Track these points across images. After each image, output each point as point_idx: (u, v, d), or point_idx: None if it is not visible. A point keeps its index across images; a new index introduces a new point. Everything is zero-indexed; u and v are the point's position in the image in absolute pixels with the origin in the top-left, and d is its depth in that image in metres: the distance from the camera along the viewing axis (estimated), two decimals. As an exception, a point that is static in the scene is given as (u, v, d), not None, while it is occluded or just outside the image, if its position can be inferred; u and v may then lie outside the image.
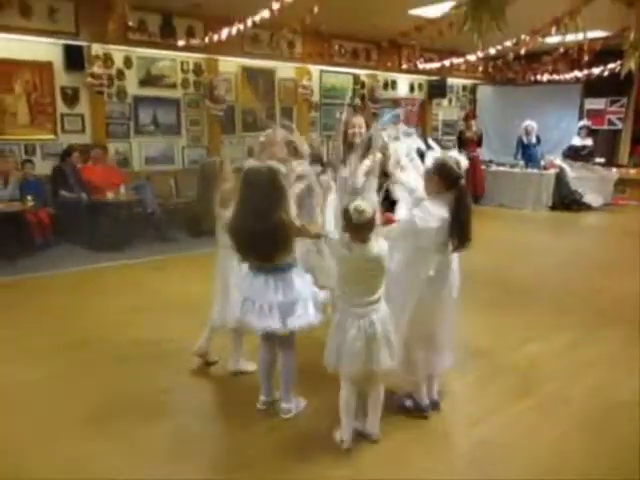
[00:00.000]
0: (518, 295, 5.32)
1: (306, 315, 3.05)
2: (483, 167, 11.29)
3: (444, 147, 3.65)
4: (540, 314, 4.79)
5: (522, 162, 11.07)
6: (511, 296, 5.29)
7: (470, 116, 12.08)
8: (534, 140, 11.10)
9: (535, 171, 10.81)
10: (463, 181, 3.00)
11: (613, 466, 2.76)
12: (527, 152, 11.13)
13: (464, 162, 3.57)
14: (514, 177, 10.92)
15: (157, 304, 5.04)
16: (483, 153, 11.60)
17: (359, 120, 4.60)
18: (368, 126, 4.62)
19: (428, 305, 3.06)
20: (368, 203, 2.77)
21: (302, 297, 3.06)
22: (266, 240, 2.94)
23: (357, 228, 2.76)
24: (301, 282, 3.09)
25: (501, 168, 11.32)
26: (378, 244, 2.82)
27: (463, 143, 11.22)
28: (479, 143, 11.26)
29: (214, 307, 3.64)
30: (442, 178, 2.99)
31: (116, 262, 6.56)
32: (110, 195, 7.35)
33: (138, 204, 7.68)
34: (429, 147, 3.67)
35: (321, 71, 10.58)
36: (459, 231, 2.97)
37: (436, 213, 2.95)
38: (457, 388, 3.51)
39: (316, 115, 10.75)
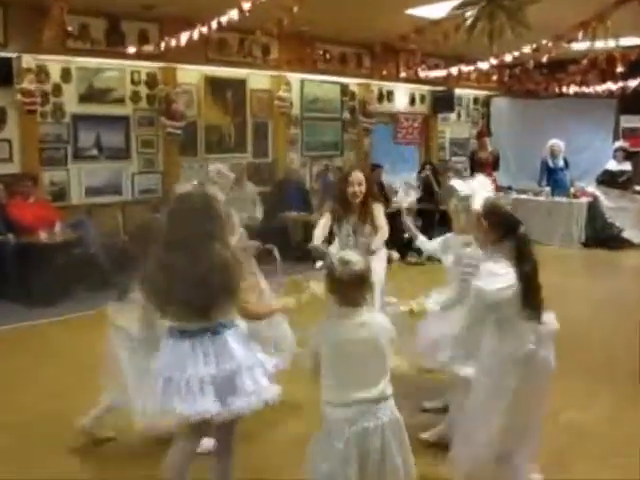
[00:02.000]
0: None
1: (255, 390, 2.83)
2: (500, 194, 11.52)
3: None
4: (573, 379, 4.87)
5: (548, 189, 11.33)
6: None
7: (483, 133, 12.38)
8: (561, 163, 11.39)
9: (563, 200, 11.07)
10: (523, 228, 2.97)
11: None
12: (553, 177, 11.41)
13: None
14: (538, 207, 11.15)
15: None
16: (500, 178, 11.85)
17: (358, 177, 4.78)
18: (371, 182, 5.02)
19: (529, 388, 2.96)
20: (358, 255, 2.68)
21: (245, 366, 2.84)
22: (200, 285, 2.74)
23: (344, 287, 2.61)
24: (241, 345, 2.89)
25: (522, 196, 11.55)
26: (374, 314, 2.70)
27: (476, 166, 11.47)
28: (495, 166, 11.52)
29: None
30: (495, 226, 2.98)
31: (53, 318, 6.58)
32: (43, 235, 7.38)
33: (78, 244, 7.72)
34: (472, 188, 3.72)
35: (302, 80, 10.86)
36: (528, 294, 2.88)
37: (502, 271, 2.88)
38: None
39: (297, 132, 10.96)
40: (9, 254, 7.15)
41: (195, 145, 9.71)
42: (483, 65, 9.22)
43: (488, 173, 11.14)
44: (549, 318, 3.04)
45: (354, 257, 2.64)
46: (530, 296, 2.89)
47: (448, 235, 4.22)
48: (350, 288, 2.61)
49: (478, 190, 3.47)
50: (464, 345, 3.22)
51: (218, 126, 9.96)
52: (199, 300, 2.78)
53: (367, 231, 4.88)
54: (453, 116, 13.60)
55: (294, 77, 10.60)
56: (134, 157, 9.11)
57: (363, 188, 4.78)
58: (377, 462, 2.55)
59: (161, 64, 8.93)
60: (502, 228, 2.96)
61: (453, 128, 13.75)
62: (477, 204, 3.15)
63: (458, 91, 13.09)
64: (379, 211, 4.92)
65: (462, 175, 12.56)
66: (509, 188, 11.91)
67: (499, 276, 2.86)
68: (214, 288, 2.76)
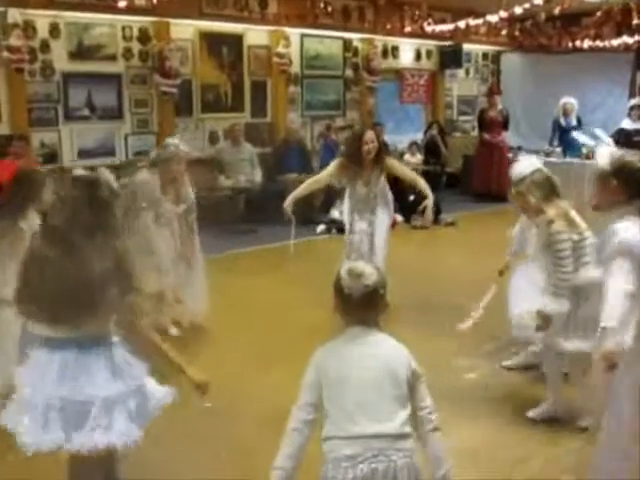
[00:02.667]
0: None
1: (106, 428, 2.44)
2: (510, 155, 11.54)
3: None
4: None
5: (559, 149, 11.32)
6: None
7: (494, 90, 12.34)
8: (574, 122, 11.34)
9: (576, 161, 11.04)
10: None
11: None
12: (565, 137, 11.38)
13: None
14: (550, 168, 10.93)
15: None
16: (509, 138, 11.86)
17: (371, 135, 5.53)
18: (379, 138, 5.70)
19: None
20: (371, 266, 2.38)
21: (102, 397, 2.46)
22: (72, 286, 2.44)
23: (352, 305, 2.29)
24: (109, 370, 2.53)
25: (533, 157, 11.54)
26: (390, 339, 2.36)
27: (485, 125, 11.49)
28: (505, 125, 11.52)
29: None
30: (627, 184, 2.90)
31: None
32: (34, 199, 7.47)
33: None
34: (595, 138, 3.82)
35: (302, 35, 10.81)
36: None
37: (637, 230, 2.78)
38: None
39: (296, 90, 10.95)
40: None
41: (190, 104, 9.73)
42: (492, 18, 9.21)
43: (497, 133, 11.21)
44: None
45: (367, 269, 2.32)
46: None
47: (518, 227, 4.58)
48: (362, 307, 2.30)
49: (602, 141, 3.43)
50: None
51: (214, 85, 9.96)
52: (67, 304, 2.45)
53: (381, 186, 5.69)
54: (461, 73, 13.54)
55: (294, 32, 10.54)
56: (127, 117, 9.14)
57: (376, 145, 5.49)
58: None
59: (153, 18, 8.91)
60: (634, 187, 2.86)
61: (461, 85, 13.70)
62: (603, 161, 2.99)
63: (466, 46, 12.97)
64: (400, 165, 5.91)
65: (469, 133, 12.63)
66: (519, 148, 11.88)
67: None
68: (88, 292, 2.45)
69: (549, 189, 3.89)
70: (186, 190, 5.22)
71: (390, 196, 5.95)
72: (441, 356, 4.72)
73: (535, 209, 3.88)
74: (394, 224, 9.49)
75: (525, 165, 4.09)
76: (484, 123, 11.54)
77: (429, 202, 5.68)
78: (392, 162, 5.78)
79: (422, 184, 5.66)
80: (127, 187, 4.77)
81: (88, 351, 2.50)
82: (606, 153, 3.07)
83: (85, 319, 2.48)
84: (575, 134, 3.79)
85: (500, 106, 11.61)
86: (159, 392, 2.72)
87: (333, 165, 5.69)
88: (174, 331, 5.29)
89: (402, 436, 2.20)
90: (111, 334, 2.61)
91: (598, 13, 8.31)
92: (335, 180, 5.97)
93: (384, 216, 5.85)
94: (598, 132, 3.74)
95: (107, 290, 2.47)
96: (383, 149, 5.73)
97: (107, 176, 2.68)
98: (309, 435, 2.29)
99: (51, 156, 8.48)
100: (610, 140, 3.50)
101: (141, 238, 4.82)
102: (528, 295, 3.83)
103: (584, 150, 11.09)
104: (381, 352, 2.30)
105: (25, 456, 2.44)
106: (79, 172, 2.72)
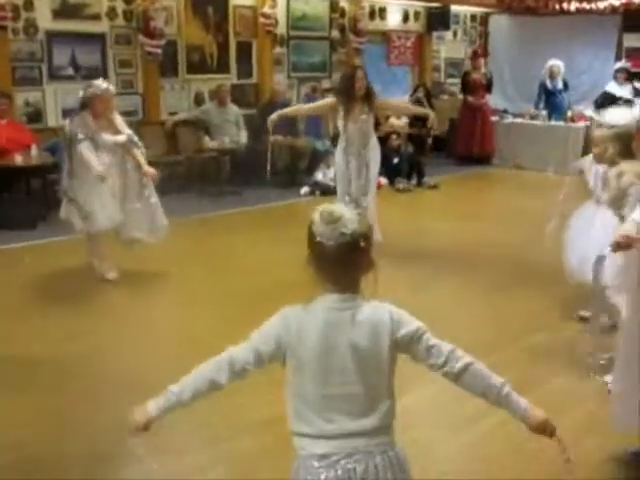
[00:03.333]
0: (532, 278, 5.72)
1: None
2: (494, 118, 11.63)
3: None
4: (553, 301, 5.16)
5: (545, 112, 11.42)
6: (523, 279, 5.70)
7: (479, 54, 12.36)
8: (560, 85, 11.45)
9: (561, 124, 11.18)
10: None
11: None
12: (551, 100, 11.48)
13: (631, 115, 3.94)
14: (534, 131, 11.27)
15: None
16: (495, 101, 11.92)
17: (361, 73, 6.40)
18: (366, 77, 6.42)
19: None
20: (355, 212, 1.86)
21: None
22: None
23: (325, 259, 1.82)
24: None
25: (518, 120, 11.67)
26: (376, 304, 1.90)
27: (468, 87, 11.54)
28: (488, 88, 11.58)
29: None
30: None
31: (28, 242, 6.79)
32: (19, 159, 7.52)
33: (54, 169, 7.84)
34: (638, 92, 3.98)
35: (289, -4, 10.77)
36: None
37: None
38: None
39: (282, 51, 10.95)
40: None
41: (176, 65, 9.74)
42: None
43: (481, 95, 11.27)
44: None
45: (347, 213, 1.82)
46: None
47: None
48: (338, 263, 1.82)
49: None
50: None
51: (200, 45, 9.96)
52: None
53: (365, 119, 6.37)
54: (449, 35, 13.55)
55: (280, -8, 10.53)
56: (112, 77, 9.06)
57: (365, 82, 6.35)
58: None
59: (139, -22, 8.89)
60: None
61: (449, 48, 13.72)
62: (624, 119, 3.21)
63: (455, 8, 12.98)
64: (388, 100, 7.47)
65: (456, 96, 12.66)
66: (504, 111, 12.01)
67: None
68: None
69: (628, 146, 4.00)
70: (121, 125, 5.69)
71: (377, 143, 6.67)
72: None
73: (610, 160, 4.07)
74: (379, 185, 9.64)
75: (620, 115, 4.16)
76: (468, 86, 11.60)
77: (432, 115, 6.80)
78: (380, 100, 6.68)
79: (418, 109, 7.17)
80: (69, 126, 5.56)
81: None
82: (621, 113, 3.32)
83: None
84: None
85: (484, 69, 11.65)
86: None
87: (329, 99, 6.81)
88: (112, 275, 5.66)
89: (383, 429, 1.88)
90: None
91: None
92: (330, 111, 6.81)
93: (375, 152, 6.59)
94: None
95: None
96: (371, 87, 6.44)
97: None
98: (224, 384, 1.91)
99: (35, 115, 8.51)
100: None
101: (81, 166, 5.43)
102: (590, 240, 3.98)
103: (569, 113, 11.23)
104: (359, 330, 1.84)
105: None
106: None
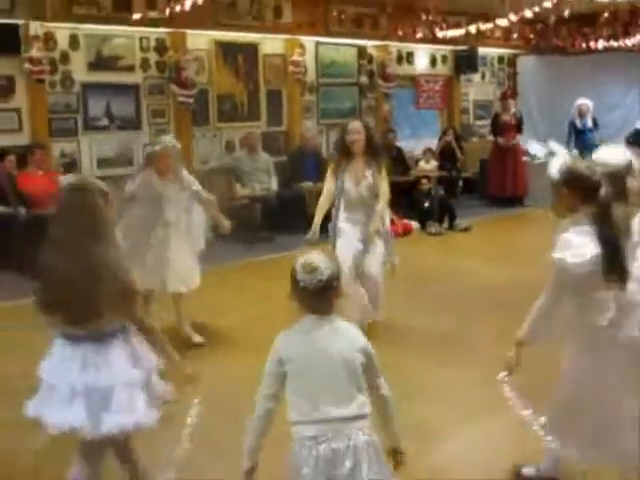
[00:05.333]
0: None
1: (130, 410, 2.73)
2: (525, 159, 11.66)
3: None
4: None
5: (575, 151, 11.41)
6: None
7: (508, 95, 12.46)
8: (589, 123, 11.47)
9: (593, 163, 11.15)
10: (604, 191, 3.00)
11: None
12: (582, 139, 11.48)
13: (623, 157, 3.66)
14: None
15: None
16: (526, 141, 11.97)
17: (356, 125, 5.27)
18: (369, 133, 5.33)
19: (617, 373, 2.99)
20: (327, 258, 2.46)
21: (123, 382, 2.75)
22: (80, 289, 2.70)
23: (306, 297, 2.43)
24: (125, 359, 2.80)
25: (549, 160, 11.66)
26: (346, 324, 2.53)
27: (498, 129, 11.60)
28: (519, 128, 11.64)
29: None
30: (574, 191, 3.03)
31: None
32: (54, 209, 7.69)
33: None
34: (551, 152, 3.95)
35: (317, 43, 11.03)
36: (612, 259, 2.90)
37: (587, 242, 2.92)
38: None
39: (312, 98, 11.15)
40: (19, 227, 7.43)
41: (207, 114, 9.96)
42: (502, 22, 9.32)
43: (511, 136, 11.33)
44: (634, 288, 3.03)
45: (322, 262, 2.41)
46: (614, 261, 2.90)
47: None
48: (316, 298, 2.44)
49: (555, 154, 3.53)
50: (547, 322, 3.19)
51: (230, 94, 10.19)
52: (78, 305, 2.72)
53: (369, 181, 5.24)
54: (477, 77, 13.68)
55: (308, 40, 10.76)
56: (145, 127, 9.39)
57: (362, 136, 5.22)
58: None
59: (170, 30, 9.19)
60: (582, 193, 2.99)
61: (477, 90, 13.84)
62: (554, 169, 3.13)
63: (482, 50, 13.14)
64: (383, 179, 5.31)
65: (485, 138, 12.74)
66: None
67: (579, 246, 2.91)
68: (94, 292, 2.69)
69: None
70: (188, 180, 5.39)
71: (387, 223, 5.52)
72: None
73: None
74: (409, 230, 9.62)
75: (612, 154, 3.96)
76: (498, 127, 11.66)
77: (371, 228, 5.23)
78: (381, 177, 5.29)
79: (376, 213, 5.23)
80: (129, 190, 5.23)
81: (105, 343, 2.78)
82: (558, 162, 3.18)
83: (94, 316, 2.73)
84: (528, 143, 3.77)
85: (513, 109, 11.72)
86: (160, 386, 2.97)
87: (328, 174, 5.43)
88: (198, 339, 5.40)
89: (360, 417, 2.42)
90: (126, 325, 2.87)
91: (605, 14, 8.40)
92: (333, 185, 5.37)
93: (374, 250, 5.34)
94: (552, 144, 3.83)
95: (108, 290, 2.70)
96: (375, 145, 5.37)
97: (94, 180, 2.93)
98: (270, 421, 2.48)
99: (71, 165, 8.72)
100: (565, 152, 3.62)
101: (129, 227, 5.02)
102: None
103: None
104: (337, 341, 2.44)
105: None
106: (69, 180, 2.98)
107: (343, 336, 2.47)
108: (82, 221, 2.75)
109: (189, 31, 9.38)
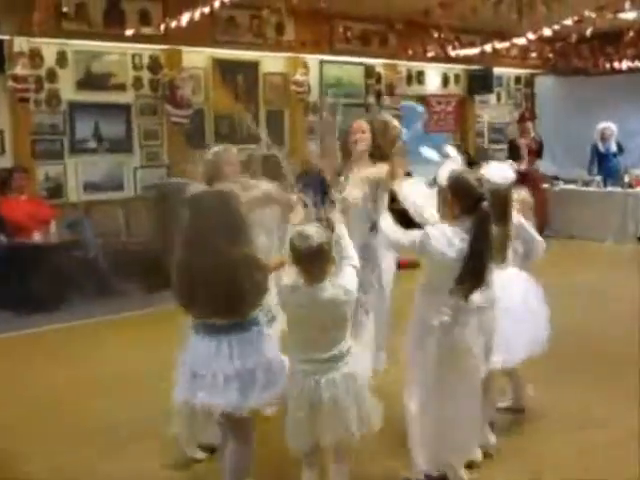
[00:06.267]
0: (595, 365, 5.45)
1: (272, 386, 3.24)
2: (545, 186, 11.57)
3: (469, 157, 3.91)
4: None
5: (599, 178, 11.36)
6: (586, 366, 5.44)
7: (526, 117, 12.40)
8: (613, 148, 11.40)
9: (618, 189, 11.08)
10: (486, 204, 3.26)
11: None
12: (605, 164, 11.43)
13: (509, 175, 3.91)
14: (589, 198, 11.19)
15: (103, 380, 5.33)
16: (544, 167, 11.88)
17: (361, 124, 4.85)
18: (375, 133, 4.89)
19: (437, 372, 3.45)
20: (318, 229, 3.11)
21: (264, 363, 3.25)
22: (223, 284, 3.08)
23: (303, 260, 3.07)
24: (266, 343, 3.32)
25: (570, 186, 11.60)
26: (335, 284, 3.10)
27: (516, 154, 11.50)
28: (539, 153, 11.55)
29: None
30: (458, 198, 3.31)
31: (47, 326, 6.82)
32: (37, 236, 7.65)
33: (75, 246, 7.96)
34: (445, 156, 3.96)
35: (321, 62, 11.03)
36: (472, 269, 3.24)
37: (455, 241, 3.27)
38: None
39: (316, 120, 11.11)
40: (0, 256, 7.37)
41: (204, 136, 9.90)
42: (520, 41, 9.30)
43: (530, 162, 11.23)
44: (481, 299, 3.42)
45: (313, 230, 3.07)
46: (470, 275, 3.25)
47: None
48: (310, 263, 3.07)
49: (449, 158, 3.72)
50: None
51: (228, 115, 10.15)
52: (225, 300, 3.11)
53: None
54: (492, 98, 13.67)
55: (312, 58, 10.75)
56: (136, 149, 9.34)
57: (367, 137, 4.78)
58: (328, 412, 3.08)
59: (165, 46, 9.17)
60: (466, 202, 3.29)
61: (492, 111, 13.82)
62: (443, 176, 3.40)
63: (497, 70, 13.13)
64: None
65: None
66: (555, 178, 11.94)
67: (449, 240, 3.27)
68: (241, 287, 3.10)
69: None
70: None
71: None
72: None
73: None
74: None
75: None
76: (515, 152, 11.54)
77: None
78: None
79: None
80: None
81: (242, 331, 3.22)
82: (448, 167, 3.46)
83: (239, 308, 3.17)
84: (422, 148, 3.66)
85: (532, 133, 11.63)
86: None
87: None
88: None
89: (341, 356, 3.12)
90: (257, 316, 3.33)
91: (630, 33, 8.37)
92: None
93: (388, 258, 4.81)
94: (448, 149, 3.89)
95: (249, 283, 3.12)
96: (381, 147, 4.79)
97: (231, 188, 3.34)
98: None
99: (56, 190, 8.67)
100: (460, 158, 3.77)
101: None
102: None
103: (626, 179, 11.12)
104: (325, 295, 3.05)
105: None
106: (198, 188, 3.38)
107: (329, 290, 3.07)
108: (222, 223, 3.12)
109: (185, 48, 9.35)
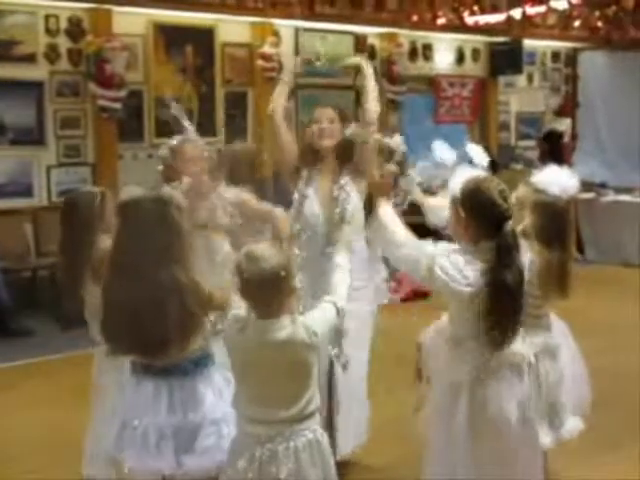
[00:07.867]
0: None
1: (215, 450, 3.22)
2: (587, 196, 11.55)
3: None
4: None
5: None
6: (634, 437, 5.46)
7: (569, 106, 12.47)
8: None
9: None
10: (510, 225, 3.12)
11: None
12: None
13: (571, 185, 3.88)
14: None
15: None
16: (588, 170, 11.90)
17: (327, 112, 4.77)
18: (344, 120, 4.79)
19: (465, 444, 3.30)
20: (272, 249, 3.04)
21: (210, 419, 3.26)
22: (151, 316, 3.11)
23: (252, 289, 2.98)
24: (210, 391, 3.31)
25: (624, 197, 11.62)
26: (297, 321, 3.01)
27: (557, 154, 11.54)
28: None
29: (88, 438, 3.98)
30: (475, 218, 3.17)
31: None
32: None
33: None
34: (470, 161, 3.92)
35: (296, 30, 11.07)
36: (497, 312, 3.10)
37: (470, 273, 3.12)
38: None
39: (289, 105, 11.05)
40: None
41: (141, 125, 9.94)
42: (559, 4, 9.31)
43: (570, 162, 11.26)
44: (528, 347, 3.34)
45: (266, 251, 2.99)
46: (499, 316, 3.10)
47: None
48: (260, 292, 2.98)
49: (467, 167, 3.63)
50: None
51: (174, 97, 10.10)
52: (152, 334, 3.15)
53: (344, 196, 4.59)
54: (522, 80, 13.77)
55: (285, 25, 10.80)
56: (51, 142, 9.29)
57: (335, 127, 4.69)
58: None
59: (89, 5, 9.14)
60: (485, 222, 3.15)
61: (522, 98, 13.91)
62: (456, 185, 3.30)
63: (529, 43, 13.17)
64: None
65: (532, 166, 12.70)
66: (602, 185, 11.92)
67: (463, 272, 3.13)
68: (171, 320, 3.13)
69: None
70: None
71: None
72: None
73: None
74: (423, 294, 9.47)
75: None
76: (557, 154, 11.51)
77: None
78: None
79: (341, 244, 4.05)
80: None
81: (189, 376, 3.30)
82: (463, 175, 3.34)
83: (175, 345, 3.20)
84: (435, 144, 3.61)
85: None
86: None
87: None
88: None
89: (303, 417, 3.02)
90: (205, 355, 3.39)
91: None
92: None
93: (364, 291, 4.57)
94: (473, 150, 3.88)
95: (186, 315, 3.17)
96: (348, 141, 4.69)
97: (173, 194, 3.40)
98: None
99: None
100: (486, 163, 3.71)
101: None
102: None
103: None
104: (278, 338, 2.97)
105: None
106: (133, 193, 3.40)
107: (286, 337, 2.97)
108: (158, 241, 3.17)
109: (116, 8, 9.32)
